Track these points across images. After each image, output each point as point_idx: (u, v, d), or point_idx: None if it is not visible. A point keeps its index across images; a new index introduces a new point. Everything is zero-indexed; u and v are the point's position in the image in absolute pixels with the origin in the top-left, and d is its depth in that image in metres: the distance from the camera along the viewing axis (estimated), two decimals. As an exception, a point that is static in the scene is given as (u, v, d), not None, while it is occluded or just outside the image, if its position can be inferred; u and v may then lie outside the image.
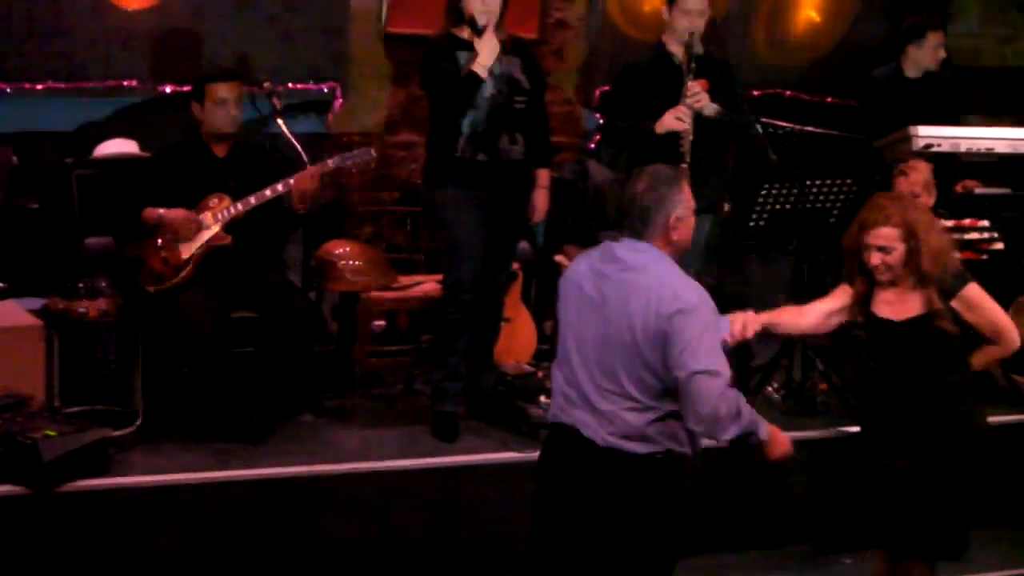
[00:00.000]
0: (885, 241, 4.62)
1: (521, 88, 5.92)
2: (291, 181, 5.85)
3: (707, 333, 3.93)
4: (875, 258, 4.64)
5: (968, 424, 4.77)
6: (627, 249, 4.07)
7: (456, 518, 5.71)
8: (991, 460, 4.86)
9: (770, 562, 5.93)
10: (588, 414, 4.03)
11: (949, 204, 6.50)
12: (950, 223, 6.23)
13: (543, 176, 6.17)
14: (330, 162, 6.04)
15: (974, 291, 4.70)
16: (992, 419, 6.35)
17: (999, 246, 6.21)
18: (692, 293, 3.97)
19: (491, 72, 5.82)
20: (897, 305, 4.72)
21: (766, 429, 4.06)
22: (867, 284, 4.76)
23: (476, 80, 5.74)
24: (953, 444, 4.72)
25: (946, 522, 4.72)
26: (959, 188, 6.96)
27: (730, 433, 3.94)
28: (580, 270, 4.16)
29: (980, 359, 4.76)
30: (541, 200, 6.15)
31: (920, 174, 5.90)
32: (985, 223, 6.27)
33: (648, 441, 3.98)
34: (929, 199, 5.90)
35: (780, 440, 4.15)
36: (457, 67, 5.80)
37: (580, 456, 4.04)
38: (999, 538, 6.31)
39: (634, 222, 4.07)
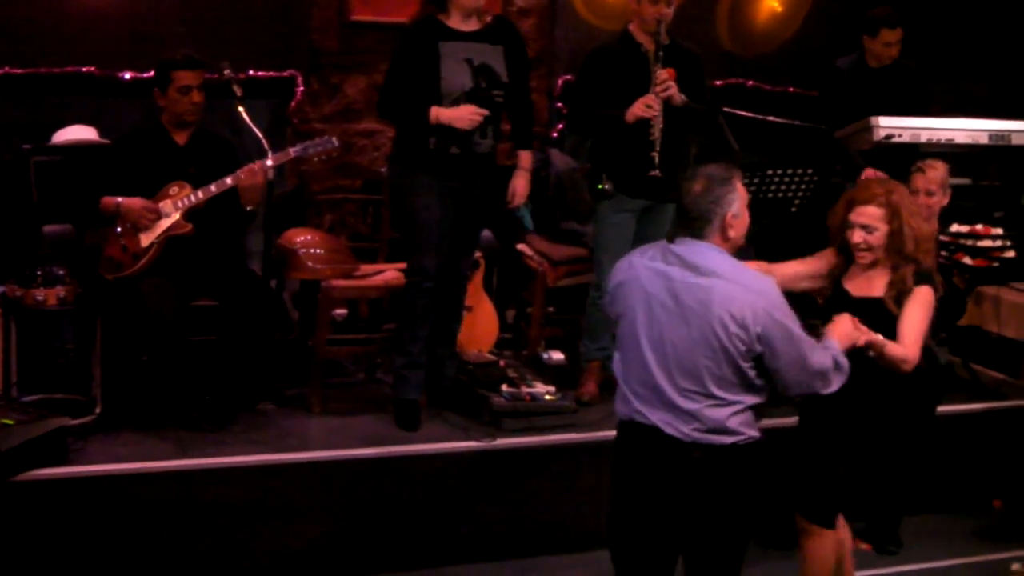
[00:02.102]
0: (869, 220, 4.71)
1: (499, 81, 5.88)
2: (240, 175, 5.81)
3: (795, 318, 4.13)
4: (857, 236, 4.73)
5: (908, 409, 4.89)
6: (692, 251, 4.16)
7: (418, 507, 5.70)
8: (933, 445, 4.90)
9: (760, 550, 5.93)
10: (668, 413, 4.14)
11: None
12: (964, 229, 6.25)
13: (524, 158, 6.15)
14: (292, 151, 6.02)
15: (926, 294, 4.74)
16: (952, 408, 6.47)
17: (1011, 254, 6.23)
18: (774, 290, 4.14)
19: (471, 64, 5.79)
20: (863, 282, 4.81)
21: (837, 346, 4.31)
22: (845, 262, 4.85)
23: (425, 125, 5.77)
24: (892, 427, 4.84)
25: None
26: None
27: (835, 385, 4.23)
28: (639, 272, 4.23)
29: (881, 346, 4.66)
30: (521, 183, 6.13)
31: (937, 172, 5.89)
32: (998, 231, 6.29)
33: (731, 433, 4.12)
34: (944, 198, 5.90)
35: (846, 334, 4.42)
36: (436, 59, 5.76)
37: (667, 453, 4.15)
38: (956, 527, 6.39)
39: (693, 223, 4.17)
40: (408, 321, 6.01)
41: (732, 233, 4.19)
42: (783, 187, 6.34)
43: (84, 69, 7.22)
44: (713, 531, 4.22)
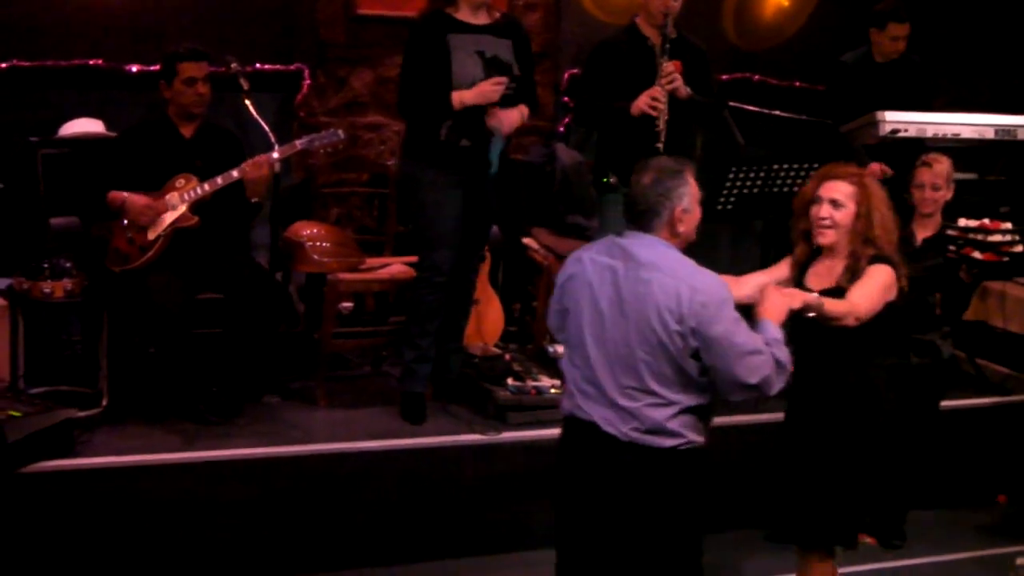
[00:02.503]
0: (839, 195, 4.53)
1: (510, 73, 5.86)
2: (246, 168, 5.82)
3: (736, 317, 4.00)
4: (824, 210, 4.55)
5: (868, 405, 4.64)
6: (636, 244, 4.09)
7: (423, 499, 5.71)
8: (892, 443, 4.81)
9: (736, 543, 5.94)
10: (608, 410, 4.06)
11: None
12: (973, 223, 6.25)
13: (523, 108, 5.96)
14: (298, 143, 6.02)
15: (881, 269, 4.51)
16: (957, 403, 6.47)
17: (1020, 248, 6.24)
18: (711, 285, 4.01)
19: (482, 56, 5.79)
20: (824, 274, 4.63)
21: (774, 326, 4.15)
22: (807, 252, 4.68)
23: (447, 111, 5.73)
24: (853, 423, 4.60)
25: (841, 508, 4.66)
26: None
27: (779, 386, 4.06)
28: (585, 267, 4.16)
29: (819, 304, 4.42)
30: (513, 114, 5.88)
31: (943, 166, 5.87)
32: (1008, 225, 6.28)
33: (671, 435, 4.03)
34: (948, 192, 5.90)
35: (775, 305, 4.22)
36: (446, 52, 5.75)
37: (603, 452, 4.08)
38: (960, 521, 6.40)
39: (641, 216, 4.09)
40: (418, 315, 6.01)
41: (681, 228, 4.09)
42: (788, 181, 6.34)
43: (91, 62, 7.23)
44: (648, 539, 4.11)
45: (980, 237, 5.98)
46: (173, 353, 5.76)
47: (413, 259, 6.23)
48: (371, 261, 6.55)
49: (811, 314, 4.32)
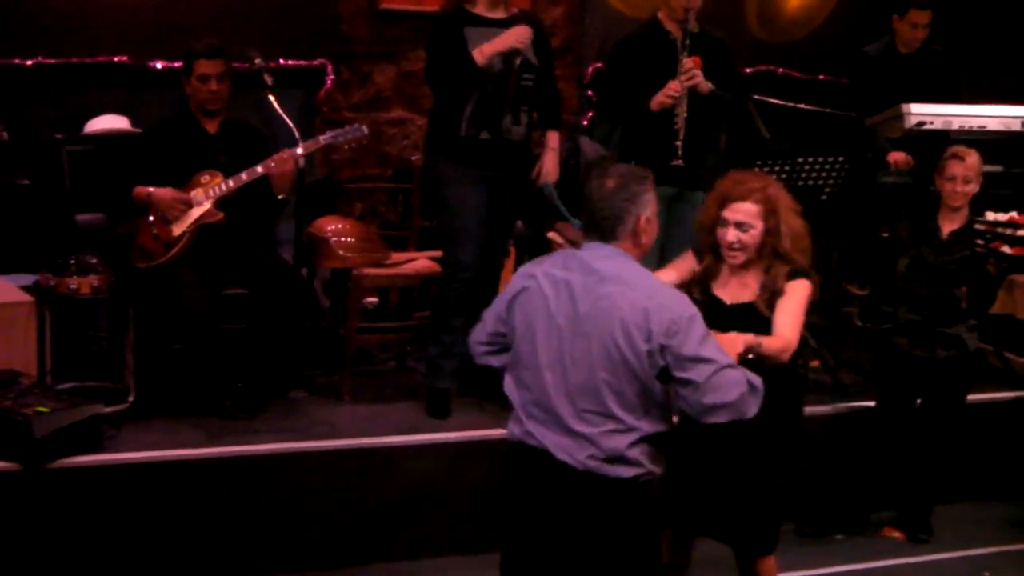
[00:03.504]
0: (745, 217, 4.34)
1: (530, 65, 5.89)
2: (271, 164, 5.83)
3: (705, 332, 3.76)
4: (731, 234, 4.36)
5: (782, 416, 4.41)
6: (596, 256, 3.84)
7: (449, 494, 5.72)
8: (806, 455, 4.68)
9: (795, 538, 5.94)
10: (563, 436, 3.78)
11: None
12: (1002, 217, 6.23)
13: (552, 138, 6.13)
14: (322, 139, 6.03)
15: (800, 285, 4.36)
16: (983, 396, 6.45)
17: None
18: (678, 301, 3.79)
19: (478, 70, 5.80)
20: (736, 287, 4.45)
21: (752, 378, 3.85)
22: (715, 264, 4.49)
23: (472, 69, 5.71)
24: (767, 434, 4.36)
25: (758, 516, 4.50)
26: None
27: (754, 408, 3.80)
28: (540, 281, 3.87)
29: (757, 345, 4.21)
30: (550, 162, 6.10)
31: (974, 159, 5.85)
32: None
33: (630, 464, 3.78)
34: (977, 186, 5.87)
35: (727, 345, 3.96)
36: (464, 45, 5.76)
37: (556, 481, 3.80)
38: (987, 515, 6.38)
39: (604, 223, 3.83)
40: (443, 311, 6.02)
41: (644, 239, 3.86)
42: (813, 175, 6.32)
43: (116, 59, 7.25)
44: (604, 572, 3.82)
45: (1009, 231, 5.96)
46: (199, 349, 5.78)
47: (438, 254, 6.23)
48: (396, 256, 6.55)
49: (751, 356, 4.11)
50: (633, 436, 3.77)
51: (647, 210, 3.85)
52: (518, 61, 5.79)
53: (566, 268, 3.85)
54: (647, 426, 3.79)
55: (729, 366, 3.75)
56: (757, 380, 3.82)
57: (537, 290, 3.86)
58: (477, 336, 4.14)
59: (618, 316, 3.70)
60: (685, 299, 3.83)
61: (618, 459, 3.76)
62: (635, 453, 3.78)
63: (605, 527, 3.80)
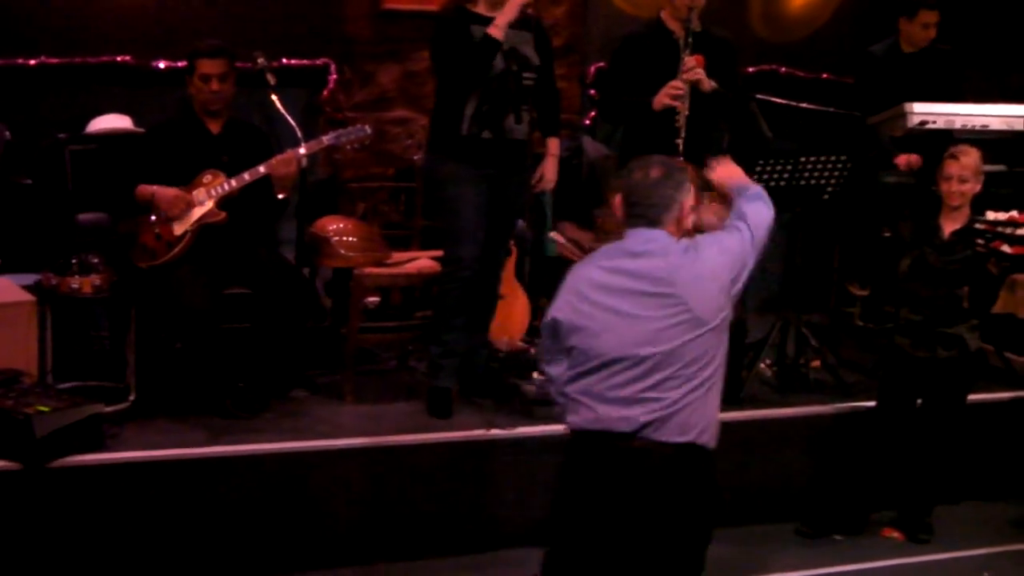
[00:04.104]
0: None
1: (530, 65, 5.89)
2: (274, 164, 5.84)
3: (726, 232, 4.13)
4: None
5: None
6: (644, 241, 4.01)
7: (451, 494, 5.73)
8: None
9: (765, 537, 5.94)
10: (632, 413, 3.91)
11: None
12: (1002, 216, 6.22)
13: (553, 144, 6.15)
14: (325, 139, 6.03)
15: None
16: (984, 396, 6.45)
17: None
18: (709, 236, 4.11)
19: (500, 48, 5.80)
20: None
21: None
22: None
23: (494, 44, 5.71)
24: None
25: None
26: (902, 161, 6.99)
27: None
28: (594, 275, 4.04)
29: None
30: (550, 169, 6.12)
31: (970, 158, 5.84)
32: None
33: (691, 431, 3.91)
34: (976, 185, 5.86)
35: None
36: (470, 41, 5.76)
37: (639, 462, 3.92)
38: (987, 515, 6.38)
39: (650, 211, 4.01)
40: (444, 310, 6.02)
41: (687, 223, 4.07)
42: (815, 174, 6.32)
43: (119, 58, 7.27)
44: (676, 543, 3.97)
45: (1009, 231, 5.95)
46: (200, 348, 5.78)
47: (439, 253, 6.23)
48: (397, 256, 6.56)
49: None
50: (694, 405, 3.94)
51: (690, 197, 4.07)
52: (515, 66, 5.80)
53: (621, 256, 4.03)
54: (711, 397, 4.00)
55: (754, 197, 4.22)
56: (755, 190, 4.30)
57: (591, 289, 4.02)
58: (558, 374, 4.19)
59: (709, 272, 3.96)
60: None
61: (678, 429, 3.91)
62: (695, 421, 3.95)
63: (682, 495, 3.96)
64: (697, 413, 3.94)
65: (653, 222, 4.01)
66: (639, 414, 3.92)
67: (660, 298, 3.94)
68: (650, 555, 3.98)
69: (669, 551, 3.99)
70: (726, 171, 4.41)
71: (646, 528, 3.96)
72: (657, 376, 3.91)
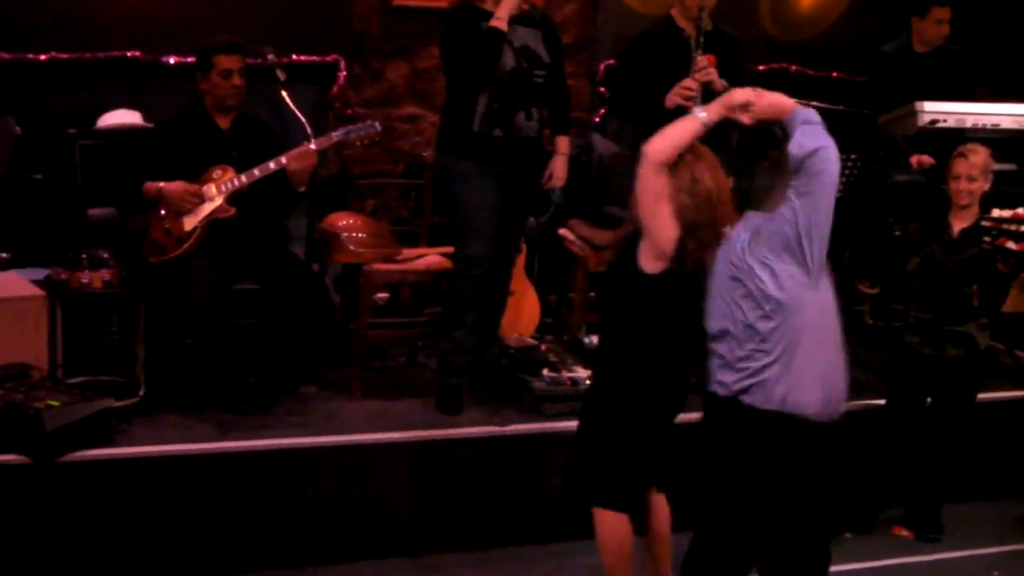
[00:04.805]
0: None
1: (541, 62, 5.90)
2: (292, 159, 5.84)
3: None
4: None
5: (630, 376, 4.64)
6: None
7: (458, 490, 5.73)
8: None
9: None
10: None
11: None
12: (1007, 214, 6.21)
13: (562, 143, 6.16)
14: (334, 135, 6.03)
15: None
16: (994, 395, 6.43)
17: None
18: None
19: (511, 45, 5.79)
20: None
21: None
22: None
23: (498, 35, 5.70)
24: (615, 391, 4.66)
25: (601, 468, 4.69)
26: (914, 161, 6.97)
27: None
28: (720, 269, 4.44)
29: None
30: (559, 166, 6.14)
31: (979, 157, 5.83)
32: None
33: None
34: (985, 184, 5.86)
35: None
36: (480, 37, 5.76)
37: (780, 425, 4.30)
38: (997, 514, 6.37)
39: (760, 195, 4.45)
40: (454, 307, 6.02)
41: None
42: (826, 172, 6.29)
43: (128, 54, 7.27)
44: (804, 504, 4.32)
45: (1014, 227, 5.94)
46: (209, 343, 5.78)
47: (449, 250, 6.24)
48: (407, 252, 6.56)
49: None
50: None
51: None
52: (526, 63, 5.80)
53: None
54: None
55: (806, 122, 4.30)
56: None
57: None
58: None
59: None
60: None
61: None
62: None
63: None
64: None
65: (763, 206, 4.42)
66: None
67: None
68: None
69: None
70: (767, 99, 4.43)
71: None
72: None
